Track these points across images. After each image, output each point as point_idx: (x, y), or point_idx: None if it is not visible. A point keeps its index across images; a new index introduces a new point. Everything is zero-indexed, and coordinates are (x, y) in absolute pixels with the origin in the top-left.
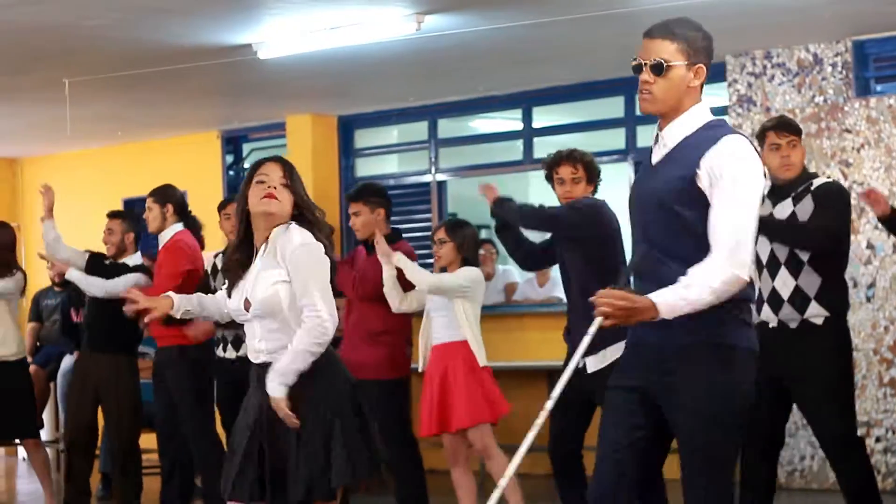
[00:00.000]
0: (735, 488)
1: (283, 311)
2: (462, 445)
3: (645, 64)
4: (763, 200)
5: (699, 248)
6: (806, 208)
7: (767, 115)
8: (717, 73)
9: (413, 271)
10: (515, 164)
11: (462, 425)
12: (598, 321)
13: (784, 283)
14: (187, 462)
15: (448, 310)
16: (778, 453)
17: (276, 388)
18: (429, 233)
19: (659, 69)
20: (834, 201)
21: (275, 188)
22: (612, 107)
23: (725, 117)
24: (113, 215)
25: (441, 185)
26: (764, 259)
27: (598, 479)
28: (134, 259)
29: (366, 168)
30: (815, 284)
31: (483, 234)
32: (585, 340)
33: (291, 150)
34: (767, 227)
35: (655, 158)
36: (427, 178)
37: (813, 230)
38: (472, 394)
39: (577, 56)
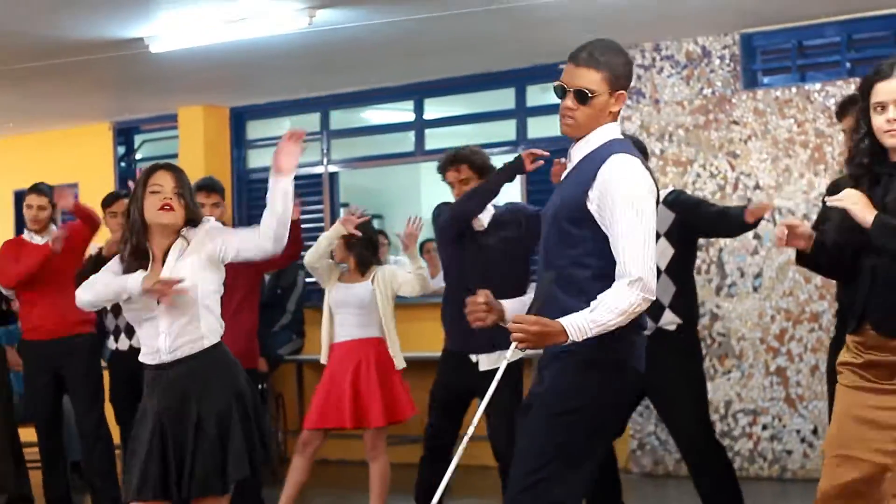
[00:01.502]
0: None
1: (197, 303)
2: (321, 441)
3: (569, 90)
4: None
5: (587, 266)
6: (666, 216)
7: (657, 108)
8: None
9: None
10: (407, 155)
11: (380, 423)
12: (513, 346)
13: None
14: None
15: (362, 308)
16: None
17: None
18: (321, 224)
19: (583, 98)
20: (696, 208)
21: (170, 198)
22: (503, 98)
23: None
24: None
25: (333, 177)
26: None
27: None
28: None
29: (258, 159)
30: (669, 293)
31: (375, 224)
32: (502, 365)
33: (184, 142)
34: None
35: (564, 176)
36: (319, 170)
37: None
38: (388, 392)
39: (469, 48)
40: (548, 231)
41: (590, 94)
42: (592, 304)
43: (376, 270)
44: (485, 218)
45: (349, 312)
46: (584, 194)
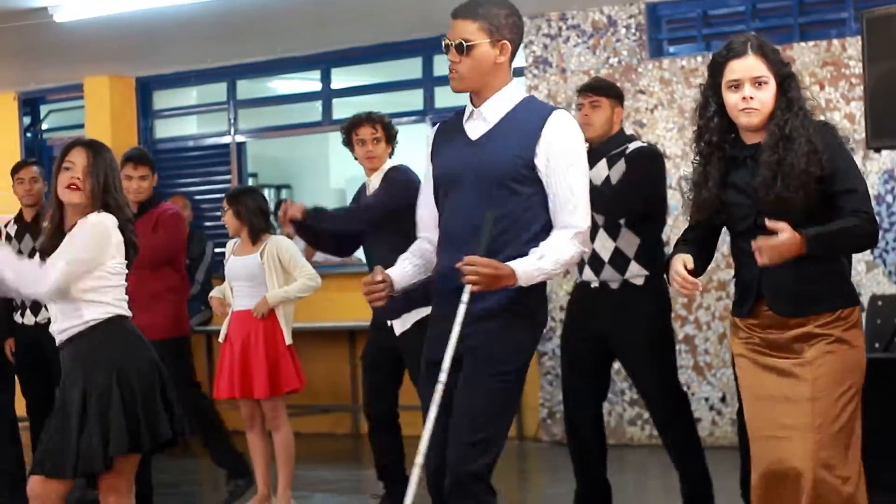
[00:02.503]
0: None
1: (72, 293)
2: (258, 410)
3: (450, 44)
4: None
5: (535, 221)
6: (621, 171)
7: (563, 77)
8: None
9: (294, 293)
10: (314, 125)
11: (263, 395)
12: (468, 288)
13: (603, 246)
14: None
15: (252, 280)
16: (601, 408)
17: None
18: None
19: (462, 49)
20: (644, 164)
21: (79, 178)
22: (411, 68)
23: (522, 78)
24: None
25: (240, 147)
26: None
27: (435, 452)
28: None
29: (165, 129)
30: (633, 245)
31: (283, 194)
32: (461, 309)
33: (90, 112)
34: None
35: (475, 133)
36: (226, 140)
37: (621, 195)
38: (273, 364)
39: (376, 17)
40: (480, 188)
41: (466, 44)
42: (538, 252)
43: (267, 241)
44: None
45: (240, 284)
46: (530, 151)
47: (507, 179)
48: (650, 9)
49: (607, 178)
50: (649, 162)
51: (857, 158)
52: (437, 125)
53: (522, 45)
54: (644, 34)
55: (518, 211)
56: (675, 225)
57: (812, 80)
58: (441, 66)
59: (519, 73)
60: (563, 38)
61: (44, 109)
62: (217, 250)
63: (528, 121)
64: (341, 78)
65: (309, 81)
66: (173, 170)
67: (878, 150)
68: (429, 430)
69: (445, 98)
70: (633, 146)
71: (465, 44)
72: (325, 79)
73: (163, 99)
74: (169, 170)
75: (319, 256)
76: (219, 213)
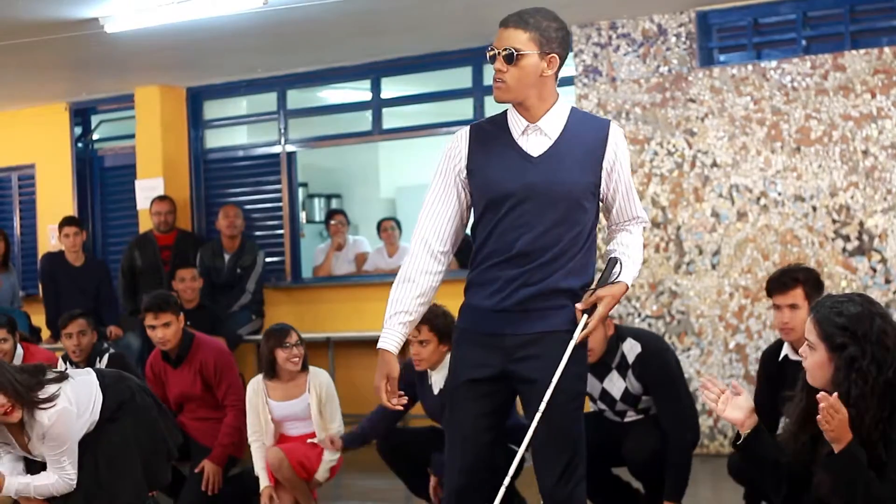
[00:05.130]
0: None
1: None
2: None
3: (498, 52)
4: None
5: (592, 230)
6: (634, 384)
7: (613, 86)
8: None
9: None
10: (364, 134)
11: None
12: (583, 321)
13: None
14: None
15: (305, 421)
16: None
17: None
18: (279, 203)
19: (511, 58)
20: (661, 377)
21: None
22: (461, 77)
23: (572, 87)
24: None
25: (290, 156)
26: None
27: (460, 472)
28: None
29: (215, 139)
30: None
31: (333, 203)
32: (572, 343)
33: (140, 122)
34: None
35: (535, 150)
36: (277, 149)
37: (677, 447)
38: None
39: (425, 27)
40: (553, 206)
41: (516, 54)
42: (630, 258)
43: (309, 376)
44: None
45: (293, 424)
46: (598, 165)
47: (581, 199)
48: (700, 17)
49: (625, 389)
50: (660, 370)
51: None
52: (469, 130)
53: (572, 55)
54: (694, 42)
55: (586, 225)
56: (727, 233)
57: (863, 89)
58: (491, 74)
59: (569, 81)
60: (613, 46)
61: (95, 120)
62: (268, 259)
63: (589, 137)
64: (391, 87)
65: (359, 91)
66: (224, 179)
67: None
68: (522, 451)
69: (495, 107)
70: (629, 352)
71: (514, 53)
72: (375, 88)
73: (213, 109)
74: (219, 179)
75: (370, 265)
76: (270, 222)
